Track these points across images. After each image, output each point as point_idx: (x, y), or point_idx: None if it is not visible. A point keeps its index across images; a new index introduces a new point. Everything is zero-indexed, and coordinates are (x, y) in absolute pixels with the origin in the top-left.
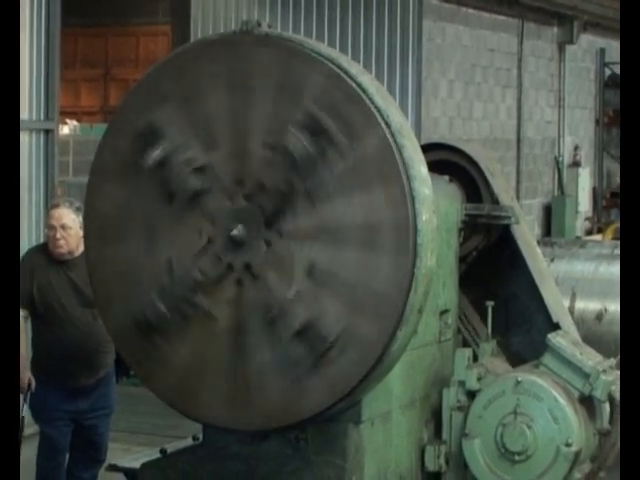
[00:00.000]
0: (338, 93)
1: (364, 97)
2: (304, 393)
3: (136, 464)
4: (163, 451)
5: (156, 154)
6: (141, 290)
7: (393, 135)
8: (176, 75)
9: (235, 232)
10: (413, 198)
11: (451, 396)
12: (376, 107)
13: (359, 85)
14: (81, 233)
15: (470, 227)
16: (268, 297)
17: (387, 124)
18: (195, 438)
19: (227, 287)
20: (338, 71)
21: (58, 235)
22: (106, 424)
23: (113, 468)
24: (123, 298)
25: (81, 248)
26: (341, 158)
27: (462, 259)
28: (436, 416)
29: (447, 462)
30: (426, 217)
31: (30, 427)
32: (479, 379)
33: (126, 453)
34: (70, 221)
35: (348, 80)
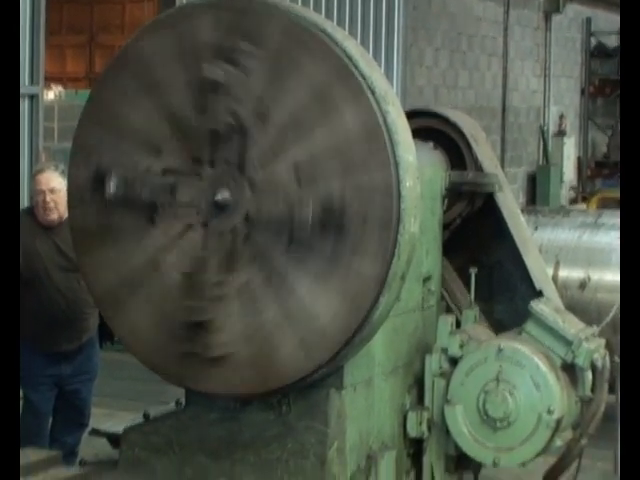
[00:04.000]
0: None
1: None
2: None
3: (119, 429)
4: (146, 416)
5: (113, 181)
6: (173, 310)
7: (378, 103)
8: (97, 117)
9: (219, 197)
10: (397, 164)
11: (433, 363)
12: (361, 74)
13: (344, 51)
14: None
15: (454, 194)
16: (275, 220)
17: (371, 91)
18: (178, 403)
19: (242, 249)
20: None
21: (48, 199)
22: (89, 389)
23: (96, 433)
24: (161, 333)
25: (66, 213)
26: (260, 61)
27: (446, 226)
28: (419, 383)
29: (429, 428)
30: (410, 184)
31: None
32: (461, 346)
33: (109, 418)
34: (58, 184)
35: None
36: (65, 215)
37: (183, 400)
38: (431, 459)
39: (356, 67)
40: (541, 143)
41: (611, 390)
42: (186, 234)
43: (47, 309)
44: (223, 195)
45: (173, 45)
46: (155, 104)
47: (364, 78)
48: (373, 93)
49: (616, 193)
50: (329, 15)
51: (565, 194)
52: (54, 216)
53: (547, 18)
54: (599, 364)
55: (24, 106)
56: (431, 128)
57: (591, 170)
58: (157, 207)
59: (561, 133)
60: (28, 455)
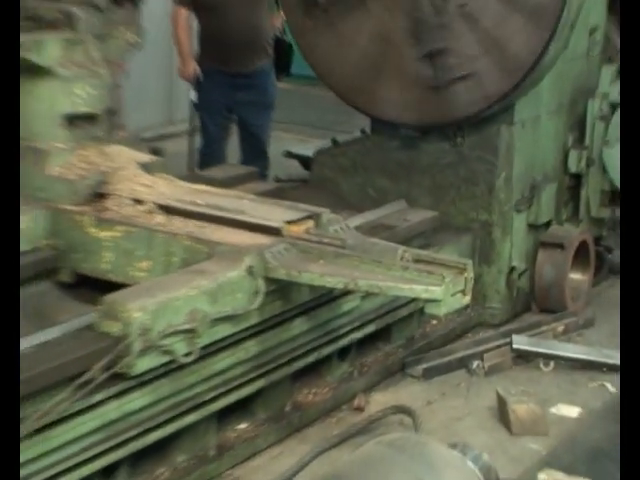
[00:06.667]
0: None
1: None
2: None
3: (309, 152)
4: (335, 141)
5: None
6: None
7: None
8: None
9: None
10: None
11: (595, 106)
12: None
13: None
14: None
15: None
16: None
17: None
18: (363, 132)
19: None
20: None
21: None
22: (265, 117)
23: (289, 155)
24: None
25: None
26: None
27: None
28: (580, 124)
29: (588, 165)
30: None
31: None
32: None
33: (302, 143)
34: None
35: None
36: None
37: (368, 130)
38: (588, 193)
39: None
40: None
41: None
42: None
43: (225, 31)
44: None
45: None
46: None
47: None
48: None
49: None
50: None
51: None
52: None
53: None
54: None
55: None
56: None
57: None
58: None
59: None
60: (228, 170)
